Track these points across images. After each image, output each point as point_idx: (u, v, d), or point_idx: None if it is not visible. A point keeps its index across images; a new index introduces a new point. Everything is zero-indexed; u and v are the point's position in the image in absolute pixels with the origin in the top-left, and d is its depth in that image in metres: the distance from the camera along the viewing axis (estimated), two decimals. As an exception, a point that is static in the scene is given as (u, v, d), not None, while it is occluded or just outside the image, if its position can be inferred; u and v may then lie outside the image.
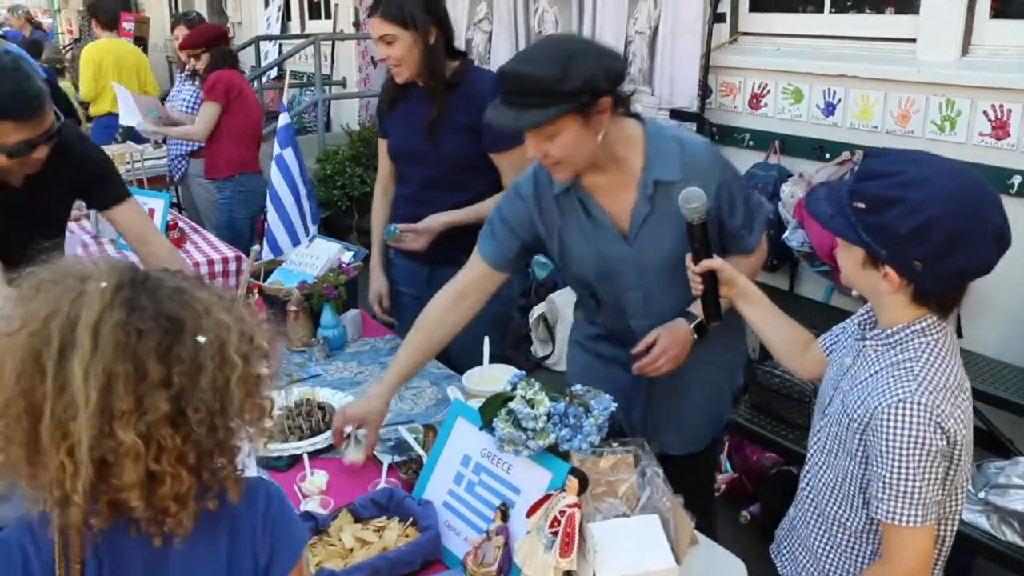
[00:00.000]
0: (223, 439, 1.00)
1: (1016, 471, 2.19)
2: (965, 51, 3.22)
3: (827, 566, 1.59)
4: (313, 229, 3.03)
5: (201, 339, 0.98)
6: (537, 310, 4.64)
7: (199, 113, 4.57)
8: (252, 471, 1.25)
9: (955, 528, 1.47)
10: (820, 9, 3.82)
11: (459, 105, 2.47)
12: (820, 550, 1.60)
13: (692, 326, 1.89)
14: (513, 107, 1.70)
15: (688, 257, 1.73)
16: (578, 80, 1.65)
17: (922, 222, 1.30)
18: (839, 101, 3.59)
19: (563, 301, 4.57)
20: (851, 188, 1.39)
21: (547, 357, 4.59)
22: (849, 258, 1.43)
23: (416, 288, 2.73)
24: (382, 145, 2.74)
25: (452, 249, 2.54)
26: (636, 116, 1.87)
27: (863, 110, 3.50)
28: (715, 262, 1.71)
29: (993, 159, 3.06)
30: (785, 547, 1.74)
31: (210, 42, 4.61)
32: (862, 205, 1.35)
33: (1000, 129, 3.08)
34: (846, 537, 1.54)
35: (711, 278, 1.72)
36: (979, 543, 2.28)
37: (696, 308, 1.88)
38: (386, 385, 1.98)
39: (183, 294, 1.00)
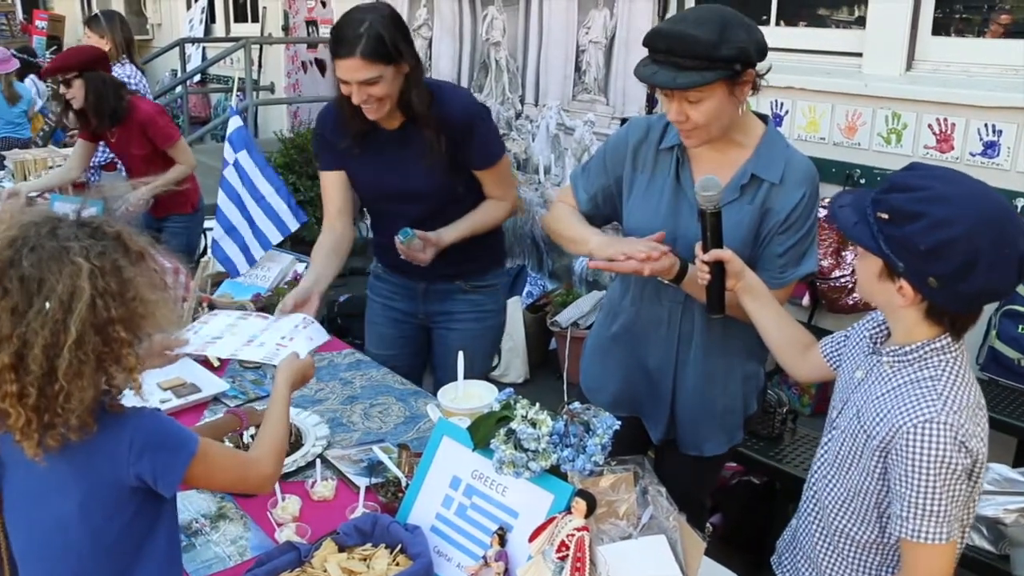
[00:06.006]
0: (67, 388, 1.13)
1: (986, 477, 2.22)
2: (910, 66, 3.31)
3: (829, 579, 1.58)
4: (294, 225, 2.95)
5: (47, 305, 1.12)
6: (482, 321, 4.57)
7: (177, 151, 3.77)
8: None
9: (966, 537, 1.46)
10: (767, 22, 3.88)
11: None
12: (824, 563, 1.58)
13: (683, 271, 1.80)
14: (670, 67, 1.71)
15: (698, 245, 1.73)
16: (734, 48, 1.68)
17: (943, 240, 1.29)
18: (786, 112, 3.64)
19: (508, 312, 4.51)
20: (875, 197, 1.38)
21: (492, 368, 4.53)
22: (866, 268, 1.42)
23: (412, 304, 2.59)
24: (332, 179, 2.44)
25: (449, 263, 2.42)
26: (762, 116, 1.92)
27: (810, 122, 3.56)
28: (724, 253, 1.70)
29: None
30: (787, 558, 1.72)
31: (85, 65, 3.61)
32: (885, 216, 1.34)
33: (944, 142, 3.16)
34: (853, 550, 1.53)
35: (718, 268, 1.71)
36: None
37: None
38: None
39: (67, 254, 1.14)
